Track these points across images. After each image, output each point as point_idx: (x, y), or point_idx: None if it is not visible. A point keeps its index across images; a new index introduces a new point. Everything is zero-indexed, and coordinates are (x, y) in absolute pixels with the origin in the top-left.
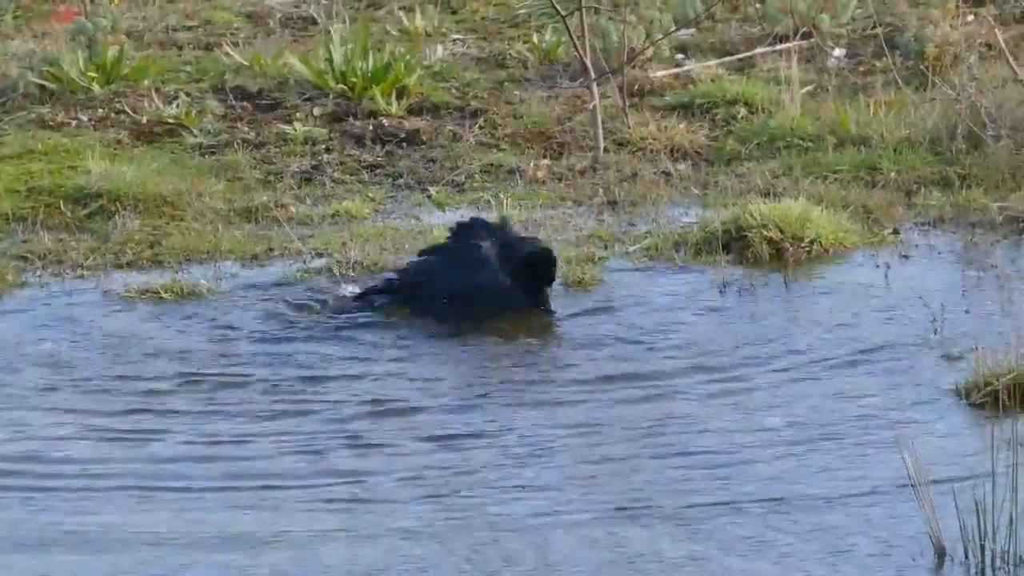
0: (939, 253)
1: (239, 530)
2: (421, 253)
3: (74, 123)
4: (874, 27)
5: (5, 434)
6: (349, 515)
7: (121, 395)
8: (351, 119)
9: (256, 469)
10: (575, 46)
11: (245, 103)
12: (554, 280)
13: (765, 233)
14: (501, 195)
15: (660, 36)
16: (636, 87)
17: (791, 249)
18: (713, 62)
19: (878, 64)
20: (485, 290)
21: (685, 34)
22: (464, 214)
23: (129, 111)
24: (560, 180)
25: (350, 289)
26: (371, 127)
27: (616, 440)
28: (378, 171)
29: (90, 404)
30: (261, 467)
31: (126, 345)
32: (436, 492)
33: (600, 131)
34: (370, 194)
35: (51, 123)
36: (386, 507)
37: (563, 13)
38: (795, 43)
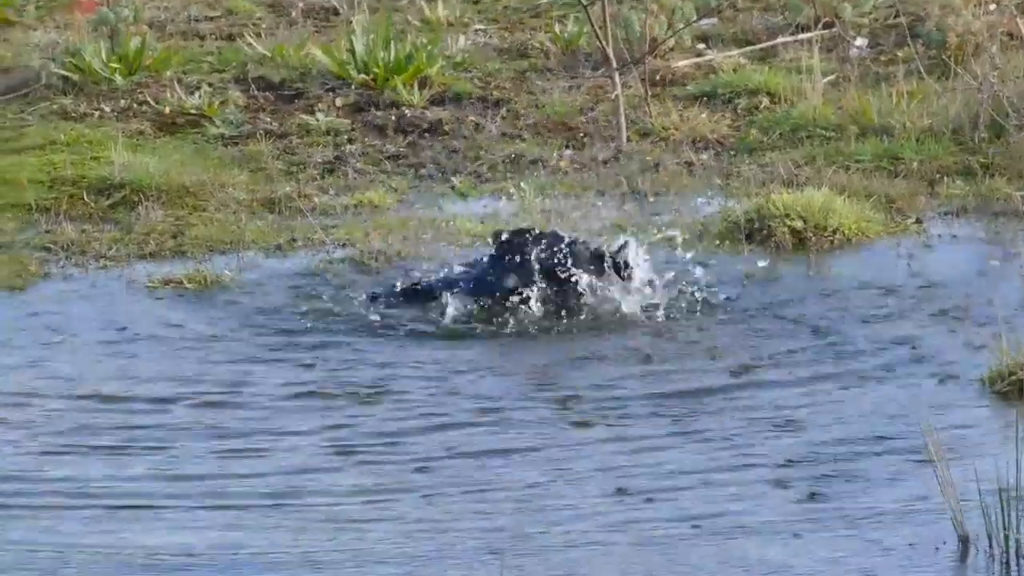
0: (962, 242)
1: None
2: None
3: (97, 114)
4: (896, 16)
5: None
6: (408, 534)
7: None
8: (373, 109)
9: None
10: (597, 36)
11: (267, 93)
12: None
13: (788, 223)
14: (523, 185)
15: (682, 25)
16: (658, 77)
17: (814, 239)
18: (735, 52)
19: (900, 54)
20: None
21: (707, 23)
22: (487, 204)
23: (151, 102)
24: (583, 170)
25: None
26: (393, 117)
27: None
28: (401, 161)
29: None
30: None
31: (150, 340)
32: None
33: (623, 121)
34: (393, 184)
35: (74, 114)
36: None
37: (585, 2)
38: (817, 33)
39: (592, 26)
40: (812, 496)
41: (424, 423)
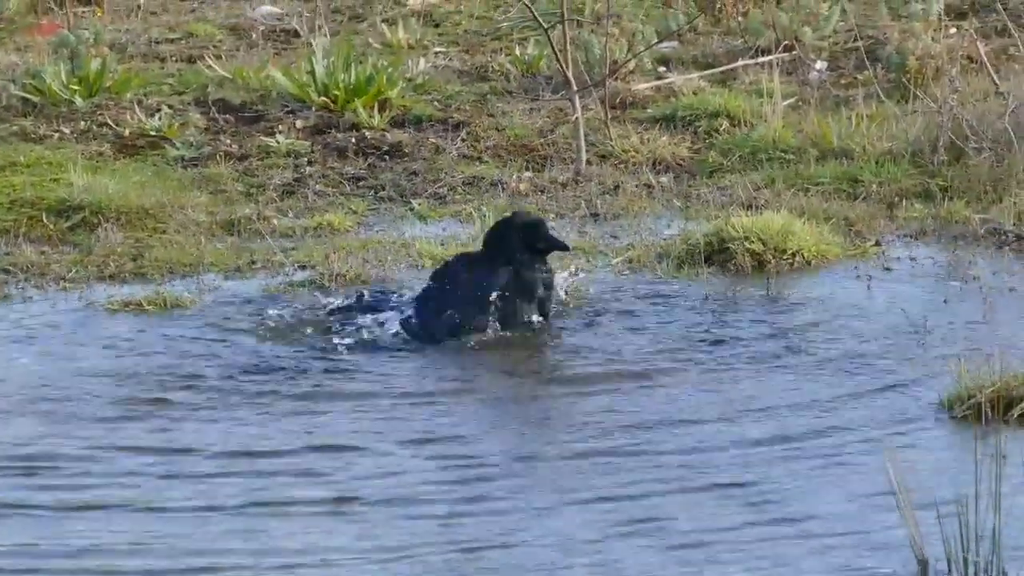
0: (921, 265)
1: None
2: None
3: (57, 136)
4: (856, 40)
5: None
6: None
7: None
8: (334, 132)
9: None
10: (557, 59)
11: (228, 116)
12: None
13: (747, 245)
14: (483, 207)
15: (642, 49)
16: (618, 100)
17: (773, 261)
18: (695, 75)
19: (860, 77)
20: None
21: (667, 47)
22: (446, 226)
23: (112, 124)
24: (542, 192)
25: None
26: (354, 140)
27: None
28: (361, 184)
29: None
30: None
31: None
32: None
33: (582, 143)
34: (352, 207)
35: (34, 136)
36: None
37: (545, 26)
38: (777, 56)
39: (552, 49)
40: (766, 515)
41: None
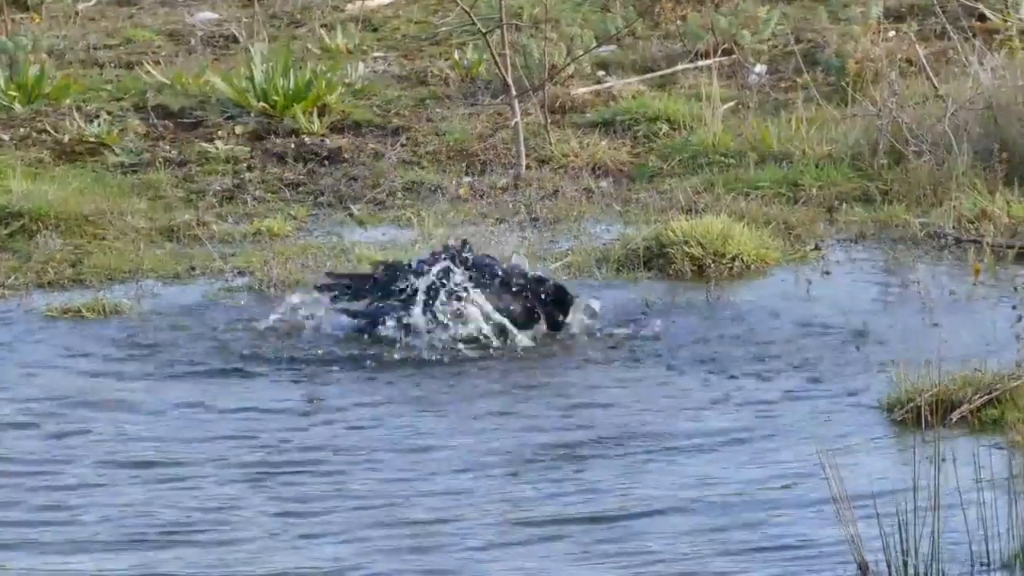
0: (861, 269)
1: None
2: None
3: None
4: (795, 43)
5: None
6: None
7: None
8: (273, 137)
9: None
10: (496, 63)
11: (167, 122)
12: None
13: (687, 250)
14: (423, 212)
15: (581, 53)
16: (558, 104)
17: (713, 266)
18: (634, 79)
19: (799, 80)
20: None
21: (606, 51)
22: (386, 232)
23: (51, 130)
24: (482, 197)
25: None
26: (293, 145)
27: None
28: (300, 189)
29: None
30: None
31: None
32: None
33: (522, 148)
34: (292, 212)
35: None
36: None
37: (484, 30)
38: (716, 60)
39: (492, 53)
40: (703, 516)
41: None
